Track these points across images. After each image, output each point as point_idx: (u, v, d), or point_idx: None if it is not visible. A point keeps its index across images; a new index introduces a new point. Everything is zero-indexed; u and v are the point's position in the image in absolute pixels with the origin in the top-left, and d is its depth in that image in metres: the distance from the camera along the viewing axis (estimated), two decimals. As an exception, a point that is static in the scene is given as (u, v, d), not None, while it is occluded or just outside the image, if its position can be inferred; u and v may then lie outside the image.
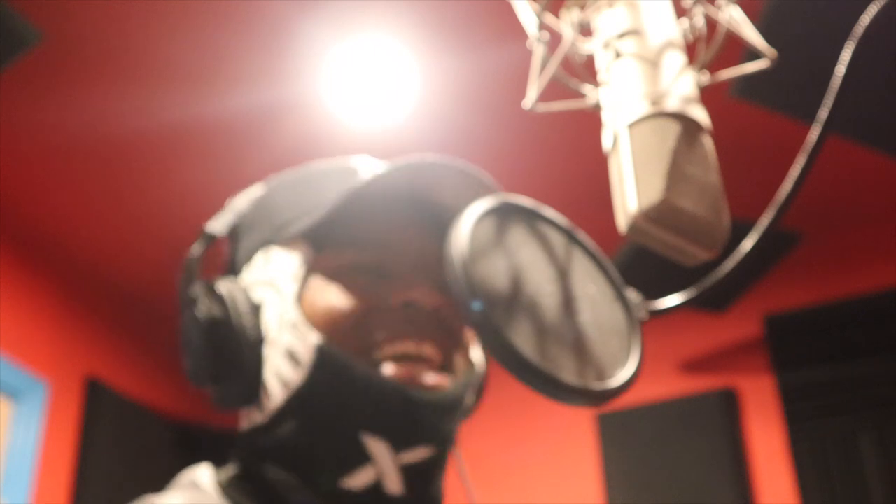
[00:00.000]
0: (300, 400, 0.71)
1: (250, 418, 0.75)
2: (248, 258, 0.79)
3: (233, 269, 0.81)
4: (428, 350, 0.72)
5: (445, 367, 0.74)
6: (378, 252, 0.75)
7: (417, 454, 0.70)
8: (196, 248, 0.80)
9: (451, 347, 0.74)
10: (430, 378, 0.71)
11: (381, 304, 0.73)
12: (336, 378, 0.70)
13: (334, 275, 0.74)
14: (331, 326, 0.72)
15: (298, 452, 0.71)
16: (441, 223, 0.77)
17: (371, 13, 2.40)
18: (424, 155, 0.75)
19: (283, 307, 0.73)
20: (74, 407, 3.20)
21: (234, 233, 0.82)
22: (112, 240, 3.24)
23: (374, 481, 0.70)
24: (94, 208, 3.07)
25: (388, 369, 0.71)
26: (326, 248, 0.76)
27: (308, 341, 0.71)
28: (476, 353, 0.79)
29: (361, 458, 0.69)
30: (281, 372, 0.72)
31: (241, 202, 0.82)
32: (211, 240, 0.81)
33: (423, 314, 0.72)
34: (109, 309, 3.49)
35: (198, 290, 0.76)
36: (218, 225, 0.81)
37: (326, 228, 0.76)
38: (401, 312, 0.72)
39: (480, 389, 0.80)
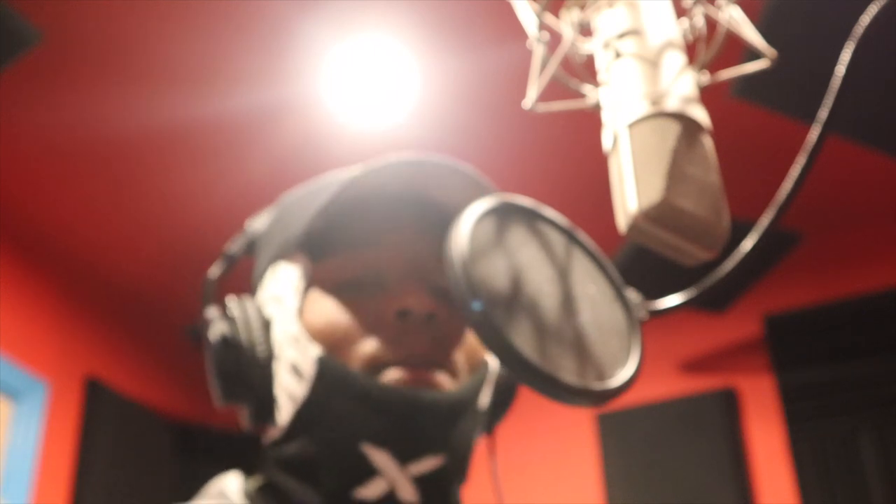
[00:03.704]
0: (306, 414, 0.71)
1: (270, 433, 0.75)
2: (261, 276, 0.79)
3: (253, 288, 0.82)
4: (427, 356, 0.71)
5: (447, 370, 0.72)
6: (372, 256, 0.75)
7: (426, 464, 0.69)
8: (214, 270, 0.81)
9: (450, 351, 0.73)
10: (431, 378, 0.71)
11: (376, 316, 0.72)
12: (336, 389, 0.70)
13: (331, 289, 0.74)
14: (330, 340, 0.72)
15: (309, 466, 0.71)
16: (436, 223, 0.76)
17: (371, 13, 2.40)
18: (417, 152, 0.75)
19: (287, 322, 0.74)
20: (74, 407, 3.20)
21: (254, 252, 0.82)
22: (112, 240, 3.24)
23: (387, 491, 0.69)
24: (94, 208, 3.07)
25: (388, 375, 0.70)
26: (324, 256, 0.76)
27: (309, 354, 0.71)
28: (487, 355, 0.77)
29: (368, 471, 0.69)
30: (287, 387, 0.72)
31: (257, 222, 0.83)
32: (230, 261, 0.82)
33: (419, 321, 0.71)
34: (109, 309, 3.49)
35: (212, 312, 0.76)
36: (235, 246, 0.82)
37: (322, 234, 0.76)
38: (397, 323, 0.71)
39: (506, 392, 0.77)
